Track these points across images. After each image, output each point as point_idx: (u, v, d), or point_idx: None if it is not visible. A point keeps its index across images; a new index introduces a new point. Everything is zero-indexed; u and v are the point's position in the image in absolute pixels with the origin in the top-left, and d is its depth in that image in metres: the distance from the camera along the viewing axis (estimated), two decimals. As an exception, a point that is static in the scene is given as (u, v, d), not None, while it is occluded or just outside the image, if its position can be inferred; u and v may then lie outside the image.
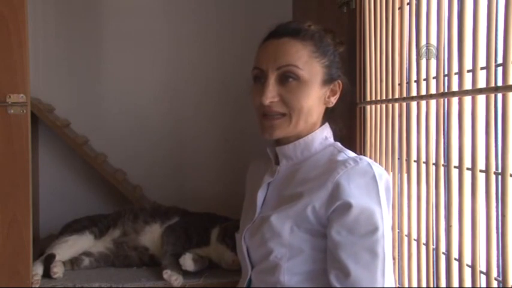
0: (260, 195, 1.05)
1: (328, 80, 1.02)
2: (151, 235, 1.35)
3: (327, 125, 1.07)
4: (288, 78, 0.98)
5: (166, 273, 1.20)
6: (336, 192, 0.92)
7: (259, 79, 1.01)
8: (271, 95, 0.98)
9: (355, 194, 0.91)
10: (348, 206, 0.90)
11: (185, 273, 1.24)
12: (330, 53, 1.03)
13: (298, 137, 1.04)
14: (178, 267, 1.23)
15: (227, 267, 1.28)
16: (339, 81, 1.04)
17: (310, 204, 0.94)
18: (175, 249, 1.28)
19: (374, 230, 0.90)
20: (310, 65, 0.99)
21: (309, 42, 1.01)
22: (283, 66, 0.98)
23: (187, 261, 1.23)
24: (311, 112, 1.01)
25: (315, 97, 1.01)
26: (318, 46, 1.01)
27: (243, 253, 1.05)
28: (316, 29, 1.04)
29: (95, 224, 1.36)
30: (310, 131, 1.04)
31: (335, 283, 0.90)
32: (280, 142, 1.06)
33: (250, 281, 1.05)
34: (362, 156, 0.98)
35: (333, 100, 1.04)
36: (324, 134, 1.05)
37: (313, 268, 0.96)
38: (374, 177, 0.93)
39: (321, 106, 1.04)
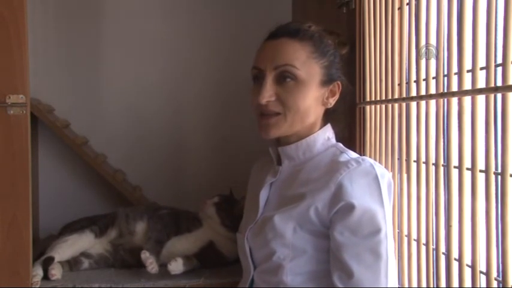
0: (263, 196, 1.05)
1: (327, 81, 1.02)
2: (143, 233, 1.35)
3: (329, 125, 1.07)
4: (285, 78, 0.98)
5: (144, 254, 1.20)
6: (339, 193, 0.92)
7: (258, 79, 1.02)
8: (268, 94, 0.98)
9: (358, 194, 0.91)
10: (350, 207, 0.90)
11: (183, 274, 1.24)
12: (330, 53, 1.03)
13: (299, 137, 1.04)
14: (157, 256, 1.24)
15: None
16: (338, 82, 1.04)
17: (313, 205, 0.94)
18: (160, 237, 1.29)
19: (377, 230, 0.90)
20: (308, 66, 0.99)
21: (308, 42, 1.00)
22: (281, 66, 0.98)
23: (179, 266, 1.23)
24: (308, 113, 1.01)
25: (313, 98, 1.00)
26: (317, 46, 1.01)
27: (245, 253, 1.05)
28: (316, 30, 1.04)
29: (94, 223, 1.36)
30: (309, 131, 1.04)
31: (338, 284, 0.90)
32: (282, 142, 1.06)
33: (252, 281, 1.05)
34: (364, 157, 0.98)
35: (332, 101, 1.04)
36: (326, 135, 1.05)
37: (316, 268, 0.96)
38: (376, 178, 0.93)
39: (319, 107, 1.03)
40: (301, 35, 1.01)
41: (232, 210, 1.31)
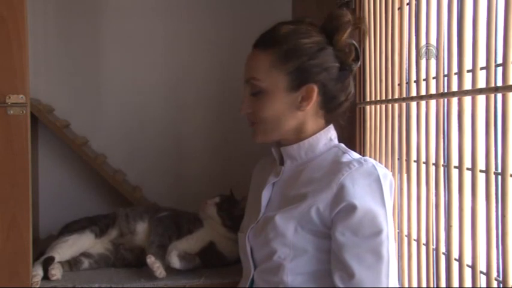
0: (265, 195, 1.06)
1: (295, 86, 1.00)
2: (144, 233, 1.35)
3: (331, 126, 1.07)
4: (255, 90, 1.03)
5: (150, 258, 1.20)
6: (341, 193, 0.92)
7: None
8: (244, 106, 1.06)
9: (360, 195, 0.91)
10: (352, 208, 0.90)
11: (181, 274, 1.24)
12: (300, 55, 0.99)
13: (297, 139, 1.04)
14: (163, 260, 1.23)
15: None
16: (312, 85, 1.00)
17: (315, 206, 0.94)
18: (162, 240, 1.28)
19: (378, 231, 0.90)
20: (269, 75, 1.00)
21: (272, 50, 1.01)
22: (249, 79, 1.04)
23: (173, 258, 1.22)
24: (279, 120, 1.02)
25: (282, 105, 1.01)
26: (281, 53, 0.99)
27: (246, 253, 1.06)
28: (288, 32, 1.01)
29: (94, 223, 1.36)
30: (300, 135, 1.03)
31: (339, 284, 0.90)
32: (284, 143, 1.07)
33: (253, 280, 1.05)
34: (367, 158, 0.98)
35: (306, 105, 1.00)
36: (329, 136, 1.05)
37: (317, 268, 0.96)
38: (378, 179, 0.93)
39: (294, 112, 1.01)
40: (266, 44, 1.02)
41: (233, 211, 1.31)
